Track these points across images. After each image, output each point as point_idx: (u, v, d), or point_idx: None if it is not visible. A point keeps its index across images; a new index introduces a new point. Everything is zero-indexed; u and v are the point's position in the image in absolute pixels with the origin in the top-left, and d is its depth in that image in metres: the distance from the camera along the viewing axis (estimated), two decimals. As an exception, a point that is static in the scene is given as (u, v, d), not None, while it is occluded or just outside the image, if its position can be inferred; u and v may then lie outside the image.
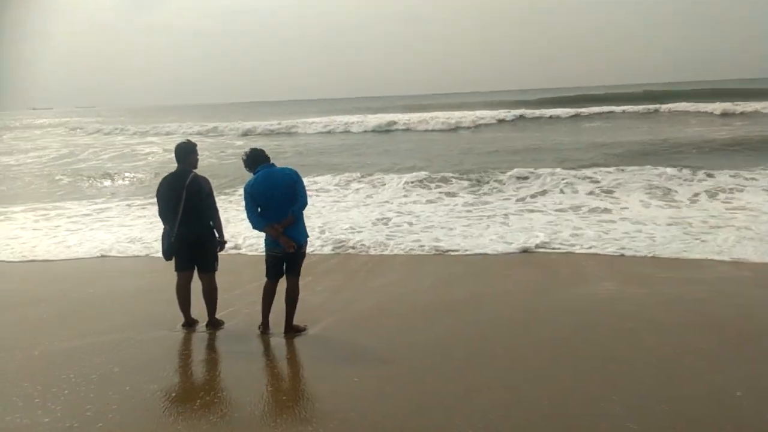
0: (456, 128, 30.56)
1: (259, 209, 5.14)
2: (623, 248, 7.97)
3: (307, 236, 5.39)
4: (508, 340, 5.20)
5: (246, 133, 33.52)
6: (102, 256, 8.91)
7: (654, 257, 7.62)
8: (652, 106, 31.79)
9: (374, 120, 33.94)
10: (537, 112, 33.66)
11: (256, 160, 5.23)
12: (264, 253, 5.36)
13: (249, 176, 5.24)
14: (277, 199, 5.11)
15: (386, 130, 31.50)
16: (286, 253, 5.17)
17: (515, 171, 13.55)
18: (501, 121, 31.79)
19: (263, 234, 5.26)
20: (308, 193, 5.53)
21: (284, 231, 5.14)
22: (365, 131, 31.74)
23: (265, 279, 5.37)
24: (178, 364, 4.90)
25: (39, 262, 8.80)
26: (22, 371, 4.78)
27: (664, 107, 31.29)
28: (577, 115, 31.90)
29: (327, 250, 8.66)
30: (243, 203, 5.21)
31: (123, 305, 6.46)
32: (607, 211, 10.53)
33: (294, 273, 5.35)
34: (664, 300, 6.00)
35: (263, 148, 5.35)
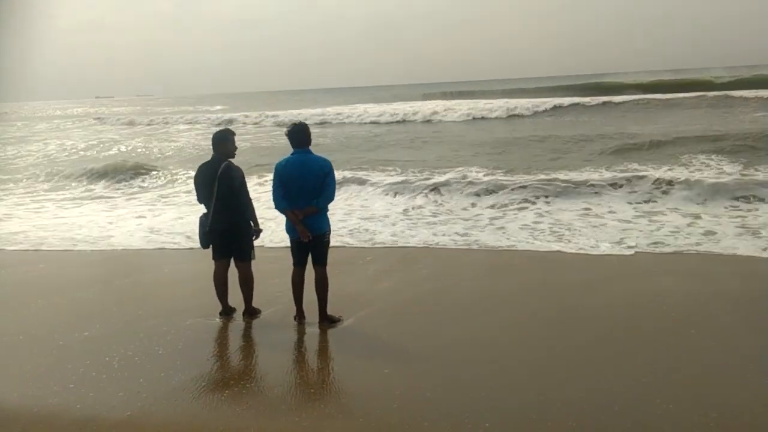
0: (535, 113, 29.67)
1: (284, 191, 5.07)
2: None
3: (329, 227, 5.26)
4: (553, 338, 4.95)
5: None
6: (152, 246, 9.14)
7: None
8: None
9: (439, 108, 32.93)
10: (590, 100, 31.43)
11: (298, 139, 5.13)
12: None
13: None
14: (306, 188, 5.02)
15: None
16: (303, 241, 5.10)
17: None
18: (556, 107, 30.32)
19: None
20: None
21: (304, 219, 5.06)
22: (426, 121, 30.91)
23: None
24: (211, 352, 4.91)
25: (91, 250, 9.11)
26: (65, 353, 4.92)
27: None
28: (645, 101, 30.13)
29: (364, 241, 8.54)
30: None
31: (164, 293, 6.56)
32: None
33: (320, 262, 5.27)
34: None
35: (308, 127, 5.23)
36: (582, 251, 7.51)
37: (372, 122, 31.99)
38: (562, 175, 11.83)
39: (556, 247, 7.76)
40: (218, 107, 60.11)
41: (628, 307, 5.56)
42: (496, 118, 29.74)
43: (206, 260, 5.68)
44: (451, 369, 4.40)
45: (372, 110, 34.88)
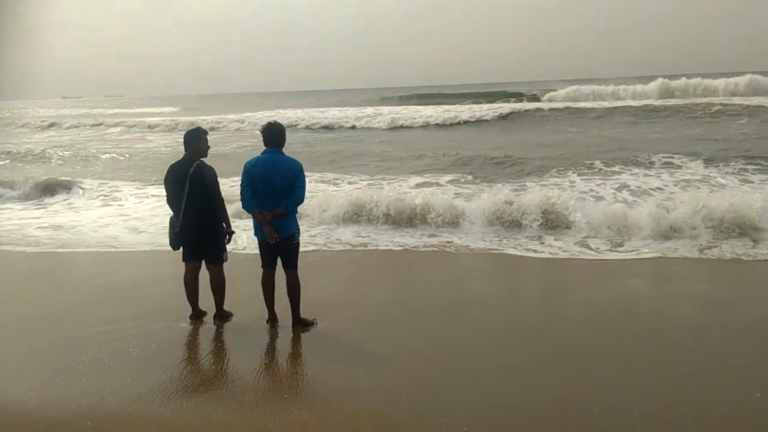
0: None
1: (253, 191, 4.97)
2: None
3: (298, 229, 5.17)
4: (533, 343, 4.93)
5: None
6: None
7: None
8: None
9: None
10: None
11: (271, 137, 5.04)
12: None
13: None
14: (274, 188, 4.92)
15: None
16: (271, 243, 5.00)
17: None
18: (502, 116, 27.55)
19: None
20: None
21: (272, 220, 4.95)
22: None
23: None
24: (180, 356, 4.75)
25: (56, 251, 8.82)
26: (28, 357, 4.72)
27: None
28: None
29: (339, 244, 8.45)
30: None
31: (130, 296, 6.36)
32: None
33: (290, 265, 5.18)
34: None
35: (284, 128, 5.15)
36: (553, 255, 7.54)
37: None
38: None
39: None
40: (170, 109, 57.82)
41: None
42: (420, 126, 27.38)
43: (176, 262, 5.52)
44: (427, 372, 4.34)
45: (298, 115, 32.69)
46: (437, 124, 26.99)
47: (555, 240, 8.07)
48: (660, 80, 33.60)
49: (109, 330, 5.25)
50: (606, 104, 28.72)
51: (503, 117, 27.15)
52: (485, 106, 31.13)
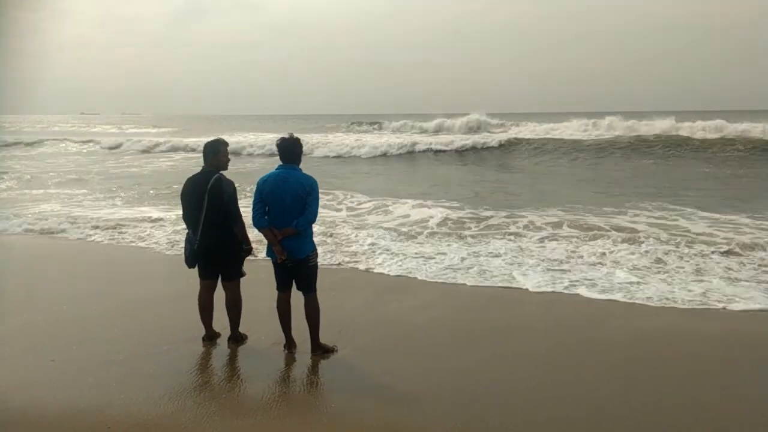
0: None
1: (267, 208, 4.70)
2: None
3: (314, 250, 4.85)
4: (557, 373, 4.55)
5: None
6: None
7: None
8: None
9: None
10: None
11: (286, 153, 4.77)
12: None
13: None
14: (286, 206, 4.63)
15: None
16: (286, 264, 4.71)
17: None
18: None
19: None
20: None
21: (282, 240, 4.66)
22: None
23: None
24: (191, 382, 4.43)
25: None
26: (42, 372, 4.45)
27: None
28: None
29: (361, 265, 8.12)
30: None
31: (142, 312, 6.09)
32: None
33: (306, 288, 4.87)
34: None
35: (301, 144, 4.85)
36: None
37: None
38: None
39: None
40: (164, 129, 57.36)
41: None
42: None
43: (191, 278, 5.25)
44: (456, 407, 3.98)
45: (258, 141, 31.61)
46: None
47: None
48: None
49: (119, 349, 4.97)
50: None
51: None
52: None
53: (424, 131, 37.07)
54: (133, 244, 9.41)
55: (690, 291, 6.70)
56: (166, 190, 15.38)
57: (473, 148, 26.42)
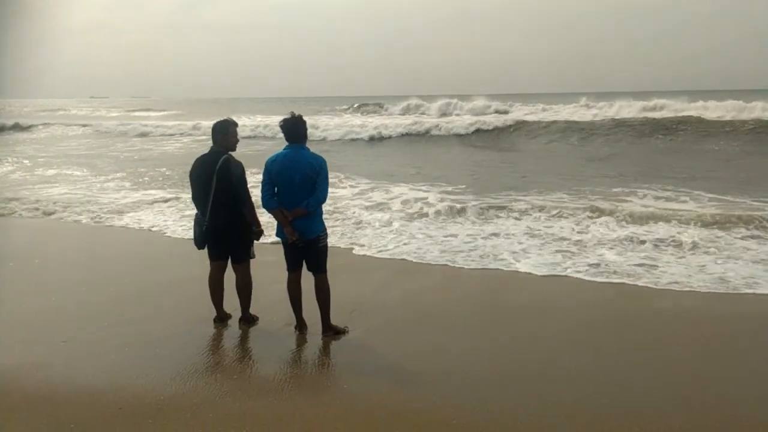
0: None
1: (275, 189, 4.65)
2: None
3: (324, 230, 4.80)
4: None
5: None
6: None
7: None
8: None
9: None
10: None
11: (291, 132, 4.68)
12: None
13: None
14: (295, 186, 4.57)
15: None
16: (297, 245, 4.67)
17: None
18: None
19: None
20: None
21: (293, 221, 4.61)
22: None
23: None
24: (202, 363, 4.43)
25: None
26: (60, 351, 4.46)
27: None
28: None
29: (373, 250, 8.08)
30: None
31: (155, 293, 6.10)
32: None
33: (316, 268, 4.82)
34: None
35: (305, 122, 4.75)
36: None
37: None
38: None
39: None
40: (163, 113, 55.75)
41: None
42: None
43: (201, 260, 5.23)
44: (465, 390, 3.95)
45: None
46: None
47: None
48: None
49: (130, 332, 4.98)
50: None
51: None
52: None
53: (426, 113, 36.08)
54: (145, 227, 9.41)
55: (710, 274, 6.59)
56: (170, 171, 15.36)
57: (478, 131, 25.71)
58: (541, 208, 9.87)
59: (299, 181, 4.57)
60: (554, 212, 9.64)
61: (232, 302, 5.18)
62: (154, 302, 5.80)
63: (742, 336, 4.96)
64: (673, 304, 5.73)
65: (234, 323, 5.18)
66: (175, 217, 9.98)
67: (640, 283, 6.31)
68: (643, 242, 7.82)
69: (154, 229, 9.30)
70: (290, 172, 4.58)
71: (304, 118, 4.81)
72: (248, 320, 5.16)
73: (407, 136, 25.73)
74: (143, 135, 30.70)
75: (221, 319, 5.19)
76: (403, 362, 4.43)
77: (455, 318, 5.39)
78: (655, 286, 6.19)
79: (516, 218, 9.44)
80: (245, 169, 4.91)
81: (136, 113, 58.41)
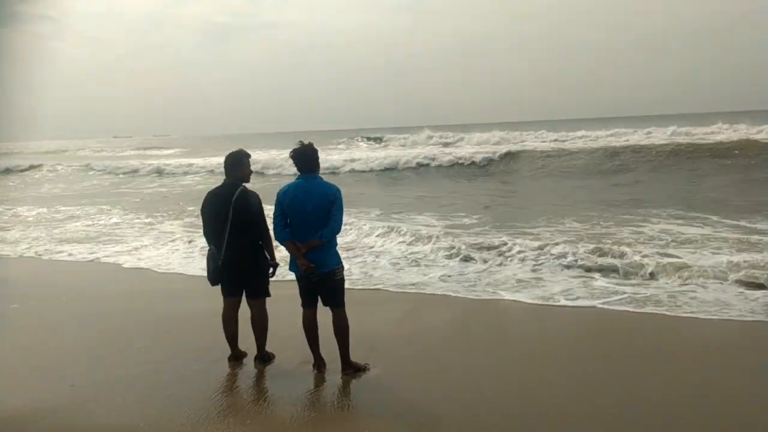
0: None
1: (288, 220, 4.46)
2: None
3: (338, 262, 4.57)
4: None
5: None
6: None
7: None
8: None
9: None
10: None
11: (302, 162, 4.50)
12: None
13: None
14: (308, 217, 4.38)
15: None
16: (311, 279, 4.44)
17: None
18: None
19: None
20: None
21: (307, 253, 4.40)
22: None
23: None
24: (217, 405, 4.19)
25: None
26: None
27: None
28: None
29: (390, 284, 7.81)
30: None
31: (167, 331, 5.90)
32: None
33: (334, 303, 4.59)
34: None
35: (316, 150, 4.56)
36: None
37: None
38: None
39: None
40: (169, 151, 54.94)
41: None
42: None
43: (214, 296, 5.02)
44: (494, 428, 3.67)
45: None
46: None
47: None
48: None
49: (141, 373, 4.77)
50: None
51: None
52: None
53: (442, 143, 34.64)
54: (153, 265, 9.25)
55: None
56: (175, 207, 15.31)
57: (477, 163, 23.52)
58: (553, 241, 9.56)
59: (313, 211, 4.39)
60: (565, 241, 9.34)
61: (246, 340, 4.96)
62: (165, 341, 5.60)
63: None
64: None
65: (249, 362, 4.95)
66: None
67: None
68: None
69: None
70: (303, 202, 4.40)
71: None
72: (264, 358, 4.93)
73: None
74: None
75: (236, 357, 4.97)
76: (426, 402, 4.15)
77: (477, 352, 5.12)
78: None
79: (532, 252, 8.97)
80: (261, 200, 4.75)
81: (153, 151, 57.48)
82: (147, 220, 13.69)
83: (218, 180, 4.96)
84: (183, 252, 9.90)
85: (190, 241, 10.47)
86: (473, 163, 23.67)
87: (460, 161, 24.01)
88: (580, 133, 31.02)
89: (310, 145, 4.56)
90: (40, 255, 10.35)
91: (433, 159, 24.63)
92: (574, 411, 3.99)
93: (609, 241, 8.81)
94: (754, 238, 8.95)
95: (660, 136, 26.75)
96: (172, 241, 10.86)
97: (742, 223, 10.22)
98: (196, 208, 11.19)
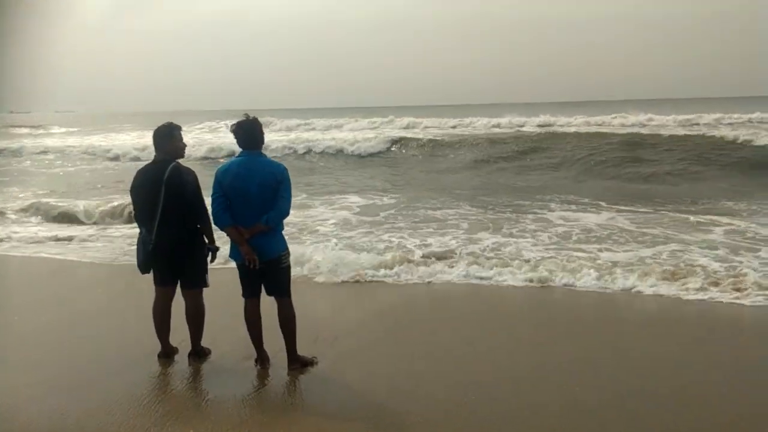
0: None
1: (228, 202, 4.02)
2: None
3: (286, 248, 4.22)
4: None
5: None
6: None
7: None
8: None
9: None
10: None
11: (246, 138, 4.06)
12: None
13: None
14: (252, 198, 3.97)
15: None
16: (252, 266, 4.05)
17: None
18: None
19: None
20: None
21: (251, 239, 4.02)
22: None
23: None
24: (146, 408, 3.73)
25: None
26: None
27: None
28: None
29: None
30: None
31: (87, 327, 5.28)
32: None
33: (280, 292, 4.24)
34: None
35: (260, 124, 4.12)
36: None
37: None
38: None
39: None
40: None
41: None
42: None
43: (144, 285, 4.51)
44: (449, 414, 3.50)
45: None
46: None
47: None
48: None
49: (56, 375, 4.21)
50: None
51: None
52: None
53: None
54: (73, 254, 8.37)
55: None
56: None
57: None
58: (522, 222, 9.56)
59: (257, 192, 3.98)
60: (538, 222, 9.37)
61: (178, 333, 4.48)
62: (83, 337, 5.01)
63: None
64: None
65: (181, 358, 4.48)
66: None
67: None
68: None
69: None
70: (246, 182, 3.98)
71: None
72: (199, 354, 4.49)
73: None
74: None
75: (167, 354, 4.50)
76: (379, 395, 3.92)
77: (427, 337, 4.95)
78: None
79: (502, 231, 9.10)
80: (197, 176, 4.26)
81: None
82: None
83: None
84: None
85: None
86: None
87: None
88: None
89: (255, 119, 4.13)
90: None
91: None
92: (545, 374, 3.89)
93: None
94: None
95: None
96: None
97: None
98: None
